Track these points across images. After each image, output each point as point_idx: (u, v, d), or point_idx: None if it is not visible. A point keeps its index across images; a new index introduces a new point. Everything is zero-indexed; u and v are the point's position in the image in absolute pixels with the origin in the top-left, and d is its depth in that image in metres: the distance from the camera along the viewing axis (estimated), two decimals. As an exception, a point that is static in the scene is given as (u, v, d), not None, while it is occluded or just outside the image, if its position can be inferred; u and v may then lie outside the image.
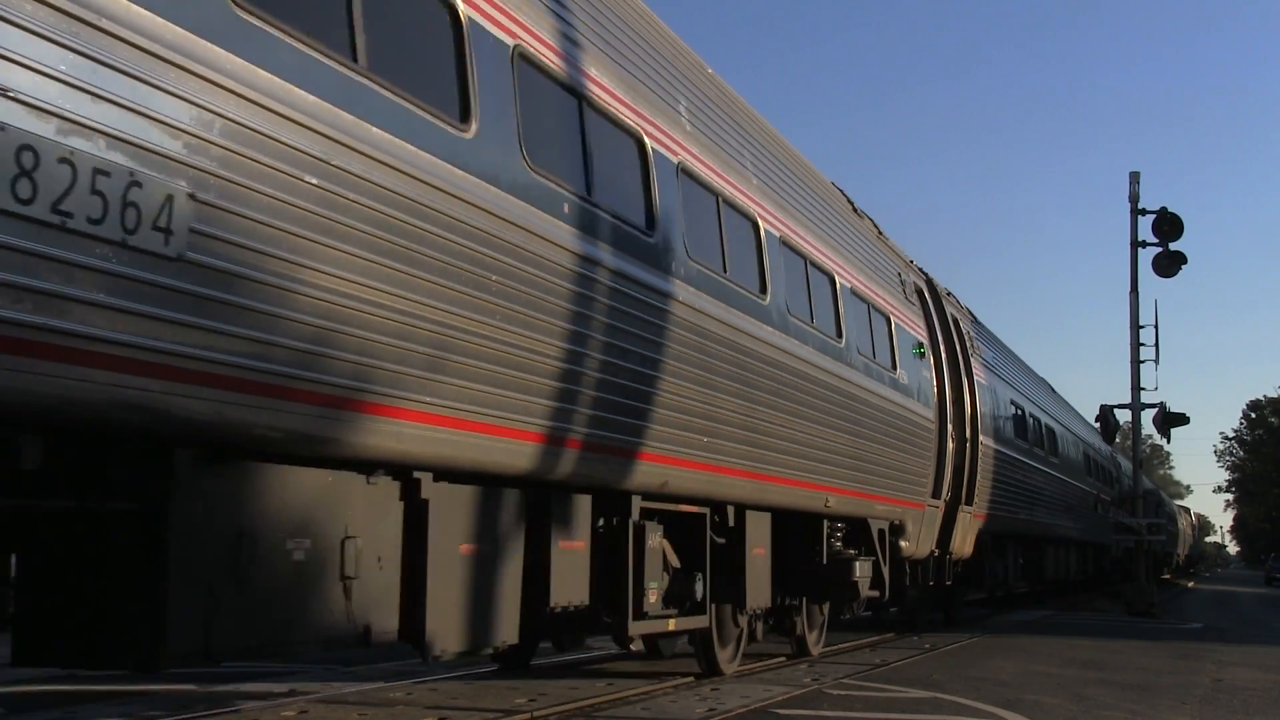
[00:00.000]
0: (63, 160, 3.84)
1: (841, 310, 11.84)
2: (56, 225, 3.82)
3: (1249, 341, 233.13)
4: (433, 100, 5.77)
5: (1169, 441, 44.83)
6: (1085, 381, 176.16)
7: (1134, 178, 26.24)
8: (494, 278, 6.15)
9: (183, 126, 4.28)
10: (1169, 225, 25.44)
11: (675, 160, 8.56)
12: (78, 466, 4.60)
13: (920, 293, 15.92)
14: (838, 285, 11.88)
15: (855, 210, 14.16)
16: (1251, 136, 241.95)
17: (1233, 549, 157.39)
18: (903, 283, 14.93)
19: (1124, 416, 29.08)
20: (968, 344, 17.71)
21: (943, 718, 8.73)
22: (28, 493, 4.44)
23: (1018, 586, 24.85)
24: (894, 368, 13.61)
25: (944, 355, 16.25)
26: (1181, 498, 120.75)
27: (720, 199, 9.33)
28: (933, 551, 15.86)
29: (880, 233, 15.02)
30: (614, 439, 7.49)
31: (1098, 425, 31.36)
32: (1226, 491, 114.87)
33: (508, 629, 6.93)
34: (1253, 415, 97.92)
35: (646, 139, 8.16)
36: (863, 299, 12.75)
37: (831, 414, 11.35)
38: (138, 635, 4.66)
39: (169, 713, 8.43)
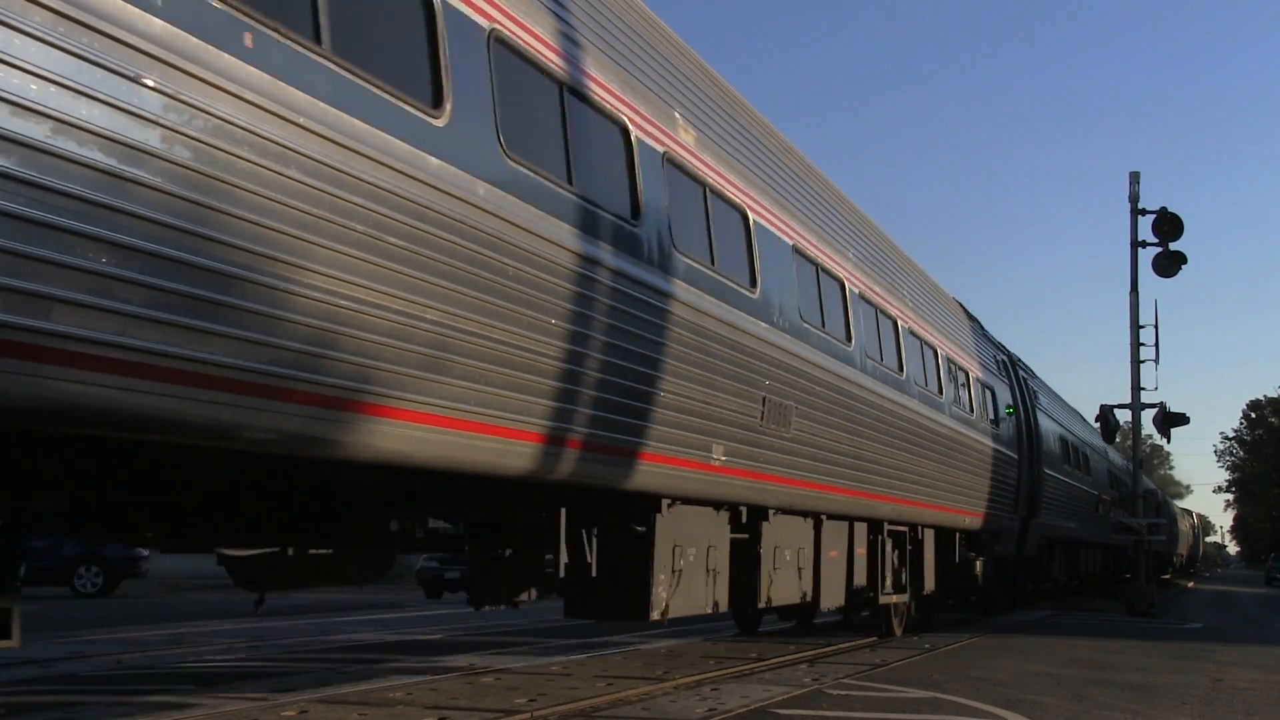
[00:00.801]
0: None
1: (971, 391, 17.33)
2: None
3: (1249, 341, 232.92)
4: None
5: (1169, 441, 44.77)
6: (1085, 381, 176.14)
7: (1134, 178, 26.25)
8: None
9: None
10: (1169, 225, 25.44)
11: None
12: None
13: (1005, 365, 21.40)
14: (971, 376, 17.48)
15: (967, 314, 19.33)
16: (1251, 136, 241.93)
17: (1233, 549, 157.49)
18: (997, 362, 20.61)
19: (1124, 416, 29.11)
20: (1030, 397, 22.91)
21: (943, 718, 8.73)
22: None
23: (1066, 580, 29.59)
24: (995, 424, 18.70)
25: (1019, 409, 21.49)
26: (1181, 498, 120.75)
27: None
28: (1012, 552, 21.10)
29: (984, 330, 20.74)
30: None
31: (1098, 425, 31.38)
32: (1226, 491, 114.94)
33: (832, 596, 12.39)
34: (1253, 415, 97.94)
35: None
36: (977, 379, 17.88)
37: (960, 460, 16.26)
38: (638, 600, 8.28)
39: (169, 712, 8.43)
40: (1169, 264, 25.44)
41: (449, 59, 5.88)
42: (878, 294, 13.07)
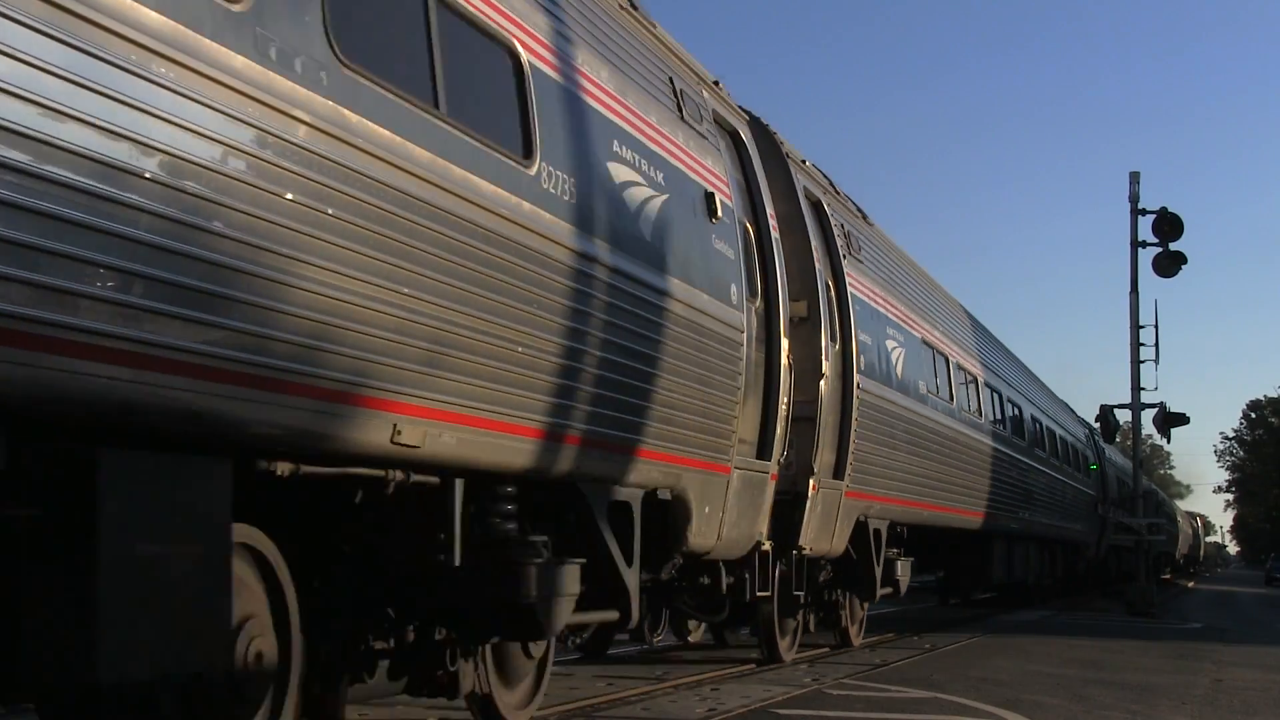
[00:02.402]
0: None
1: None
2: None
3: (1249, 341, 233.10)
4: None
5: (1169, 441, 44.71)
6: (1085, 381, 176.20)
7: (1134, 178, 26.23)
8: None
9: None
10: (1169, 225, 25.42)
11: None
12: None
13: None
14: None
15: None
16: (1251, 136, 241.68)
17: (1233, 549, 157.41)
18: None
19: (1124, 416, 29.11)
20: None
21: (943, 718, 8.73)
22: None
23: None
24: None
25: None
26: (1182, 498, 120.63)
27: None
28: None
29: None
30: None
31: (1098, 425, 31.39)
32: (1226, 491, 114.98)
33: None
34: (1253, 415, 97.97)
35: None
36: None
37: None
38: None
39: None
40: (1169, 264, 25.42)
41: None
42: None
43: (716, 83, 10.04)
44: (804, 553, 11.29)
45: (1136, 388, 26.57)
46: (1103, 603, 29.67)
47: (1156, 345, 26.86)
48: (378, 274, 5.11)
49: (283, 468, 5.05)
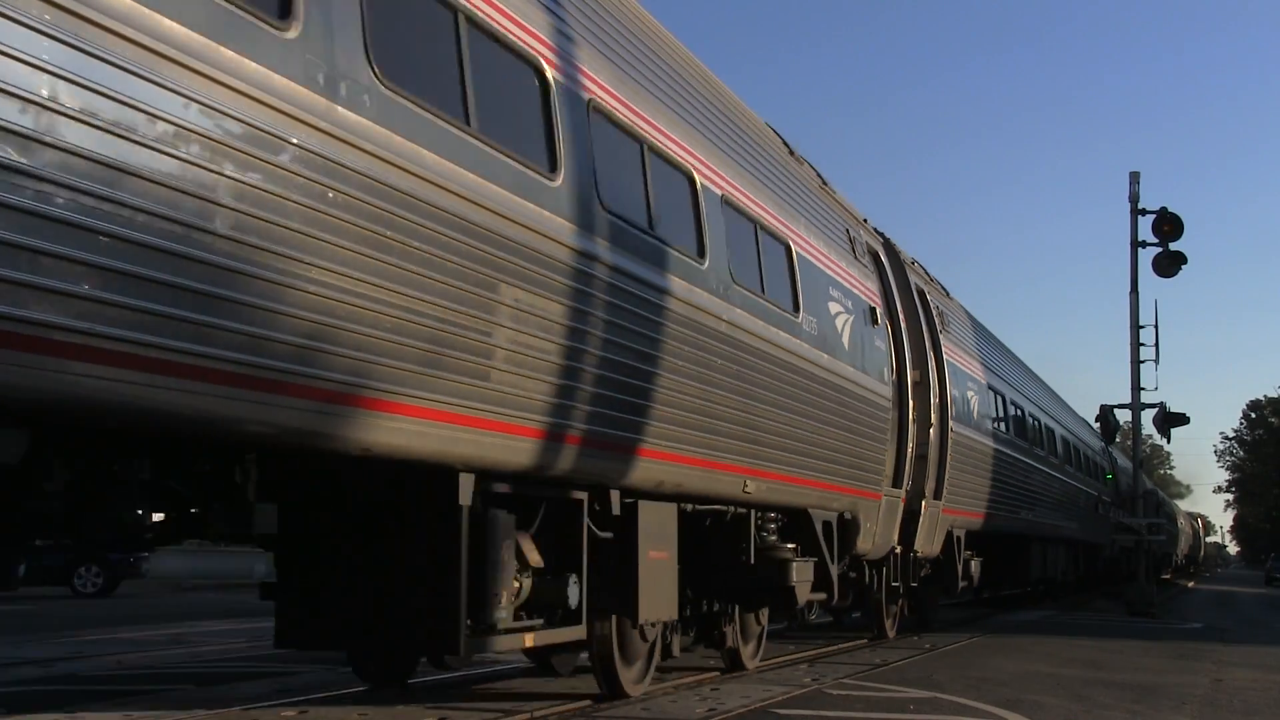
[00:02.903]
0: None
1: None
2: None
3: (1249, 341, 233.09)
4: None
5: (1169, 441, 44.65)
6: (1085, 381, 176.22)
7: (1134, 178, 26.22)
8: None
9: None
10: (1169, 225, 25.42)
11: None
12: None
13: (875, 256, 14.01)
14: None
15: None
16: (1251, 136, 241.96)
17: (1233, 549, 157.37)
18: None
19: (1124, 416, 29.09)
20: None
21: (943, 718, 8.73)
22: None
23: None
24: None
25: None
26: (1182, 498, 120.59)
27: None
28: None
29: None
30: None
31: (1097, 425, 31.36)
32: (1226, 491, 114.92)
33: None
34: (1253, 415, 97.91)
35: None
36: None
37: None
38: None
39: (169, 712, 8.42)
40: (1169, 264, 25.41)
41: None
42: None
43: (865, 220, 14.51)
44: (917, 554, 15.22)
45: (1136, 388, 26.57)
46: (1103, 603, 29.68)
47: (1156, 345, 26.89)
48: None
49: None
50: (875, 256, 14.03)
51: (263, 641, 14.19)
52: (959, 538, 17.34)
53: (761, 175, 10.42)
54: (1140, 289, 26.23)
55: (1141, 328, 26.46)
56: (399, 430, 5.43)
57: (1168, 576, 51.36)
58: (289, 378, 4.72)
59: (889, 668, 12.04)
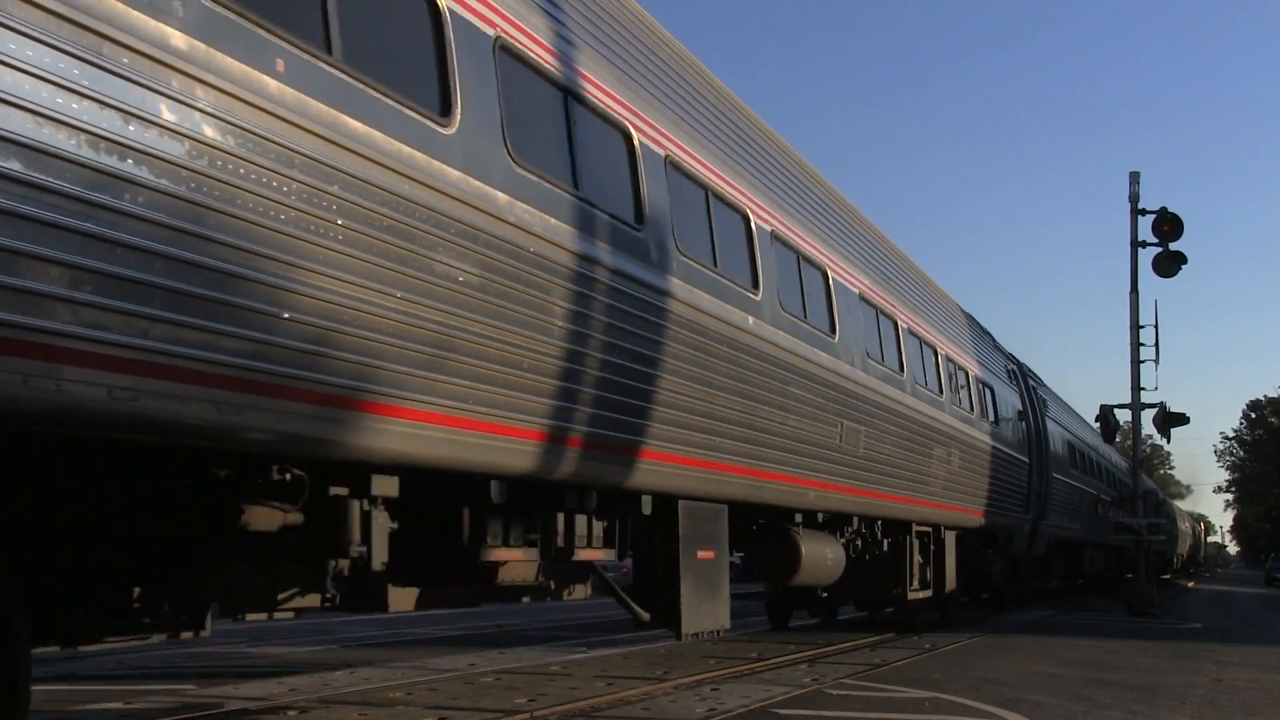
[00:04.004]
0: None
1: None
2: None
3: (1249, 341, 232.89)
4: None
5: (1169, 441, 44.64)
6: (1085, 381, 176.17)
7: (1134, 178, 26.23)
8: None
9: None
10: (1169, 225, 25.42)
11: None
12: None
13: (1015, 374, 22.78)
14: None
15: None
16: (1251, 137, 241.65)
17: (1233, 549, 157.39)
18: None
19: (1124, 416, 29.10)
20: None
21: (943, 718, 8.73)
22: None
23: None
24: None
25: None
26: (1182, 498, 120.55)
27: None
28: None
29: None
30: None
31: (1097, 425, 31.36)
32: (1226, 491, 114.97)
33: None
34: (1253, 415, 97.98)
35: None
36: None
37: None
38: None
39: (169, 712, 8.43)
40: (1169, 264, 25.42)
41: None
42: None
43: (1008, 353, 23.38)
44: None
45: (1136, 388, 26.58)
46: (1103, 603, 29.69)
47: (1156, 345, 26.90)
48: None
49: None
50: (1014, 374, 22.68)
51: (263, 641, 14.19)
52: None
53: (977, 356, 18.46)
54: (1140, 289, 26.25)
55: (1141, 328, 26.48)
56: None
57: (1168, 577, 51.38)
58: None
59: (889, 668, 12.05)
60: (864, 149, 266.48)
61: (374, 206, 5.22)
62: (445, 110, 5.82)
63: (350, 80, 5.15)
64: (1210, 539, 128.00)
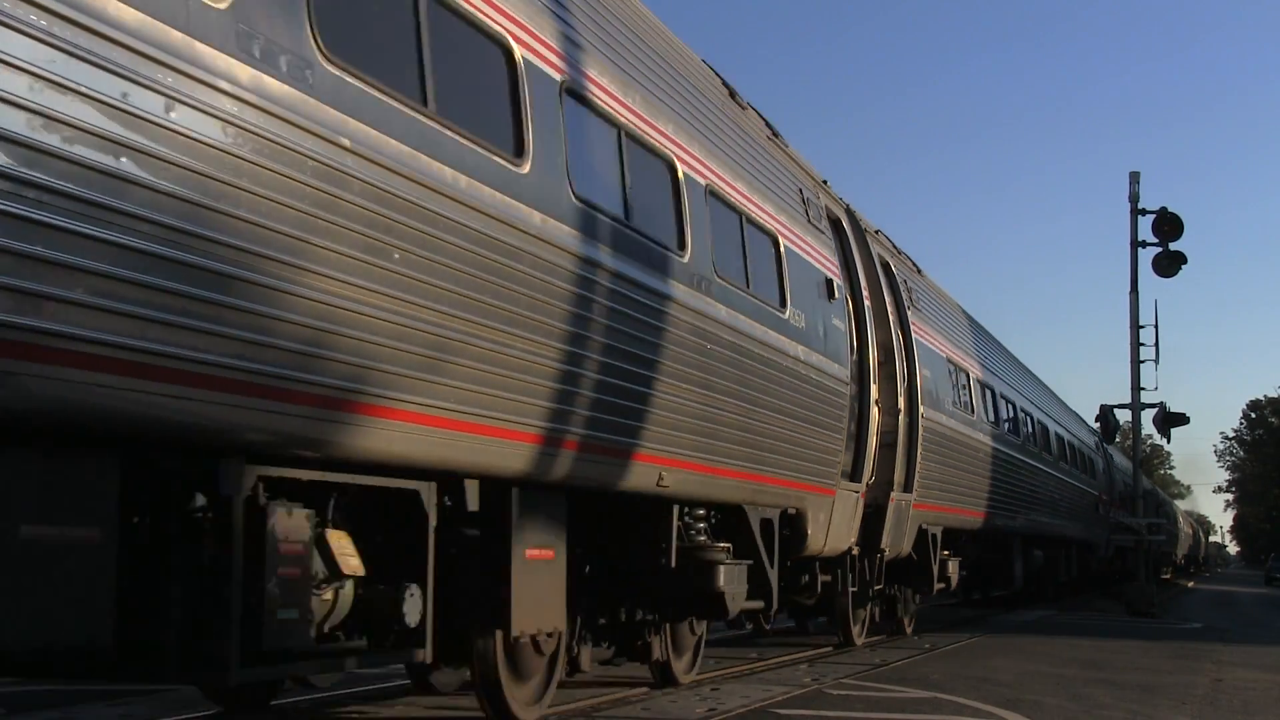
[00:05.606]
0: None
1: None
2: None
3: (1249, 341, 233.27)
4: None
5: (1169, 441, 44.64)
6: (1085, 381, 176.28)
7: (1134, 178, 26.22)
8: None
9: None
10: (1169, 225, 25.42)
11: None
12: None
13: (836, 224, 12.64)
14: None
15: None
16: (1252, 137, 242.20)
17: (1233, 549, 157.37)
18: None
19: (1124, 416, 29.10)
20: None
21: (943, 718, 8.72)
22: None
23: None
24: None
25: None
26: (1182, 498, 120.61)
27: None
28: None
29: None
30: None
31: (1097, 425, 31.36)
32: (1226, 491, 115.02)
33: None
34: (1253, 415, 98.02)
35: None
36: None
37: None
38: None
39: (169, 712, 8.41)
40: (1169, 264, 25.42)
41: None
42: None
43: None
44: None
45: (1136, 388, 26.57)
46: (1103, 603, 29.65)
47: (1156, 345, 26.90)
48: None
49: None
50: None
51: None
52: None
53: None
54: (1140, 289, 26.25)
55: (1141, 328, 26.47)
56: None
57: (1168, 576, 51.37)
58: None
59: (889, 668, 12.04)
60: (864, 147, 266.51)
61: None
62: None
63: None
64: (1210, 539, 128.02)
